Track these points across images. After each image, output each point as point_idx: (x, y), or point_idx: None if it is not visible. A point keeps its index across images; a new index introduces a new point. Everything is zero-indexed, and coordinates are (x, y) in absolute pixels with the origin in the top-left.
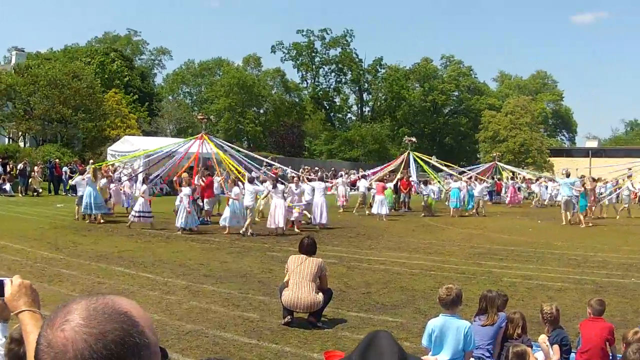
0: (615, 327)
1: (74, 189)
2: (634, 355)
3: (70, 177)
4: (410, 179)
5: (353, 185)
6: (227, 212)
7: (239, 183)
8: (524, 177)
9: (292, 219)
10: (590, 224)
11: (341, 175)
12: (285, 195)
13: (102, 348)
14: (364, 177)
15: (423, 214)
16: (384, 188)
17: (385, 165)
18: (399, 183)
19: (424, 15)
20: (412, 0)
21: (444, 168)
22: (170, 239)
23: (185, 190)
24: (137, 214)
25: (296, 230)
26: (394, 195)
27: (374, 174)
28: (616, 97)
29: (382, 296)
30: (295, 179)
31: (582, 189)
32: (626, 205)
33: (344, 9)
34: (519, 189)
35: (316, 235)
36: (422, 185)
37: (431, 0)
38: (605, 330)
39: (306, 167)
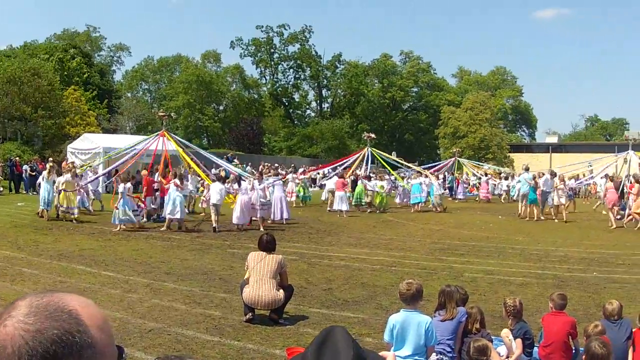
0: (577, 321)
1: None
2: (601, 350)
3: (32, 176)
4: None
5: (314, 182)
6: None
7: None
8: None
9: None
10: (564, 220)
11: (291, 172)
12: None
13: (39, 345)
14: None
15: (369, 210)
16: (344, 184)
17: (341, 158)
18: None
19: (384, 11)
20: None
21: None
22: (131, 237)
23: (121, 187)
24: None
25: (261, 229)
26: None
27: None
28: (576, 93)
29: (343, 292)
30: (258, 175)
31: (533, 182)
32: (601, 201)
33: (303, 5)
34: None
35: (276, 232)
36: (364, 181)
37: None
38: (567, 324)
39: (266, 163)
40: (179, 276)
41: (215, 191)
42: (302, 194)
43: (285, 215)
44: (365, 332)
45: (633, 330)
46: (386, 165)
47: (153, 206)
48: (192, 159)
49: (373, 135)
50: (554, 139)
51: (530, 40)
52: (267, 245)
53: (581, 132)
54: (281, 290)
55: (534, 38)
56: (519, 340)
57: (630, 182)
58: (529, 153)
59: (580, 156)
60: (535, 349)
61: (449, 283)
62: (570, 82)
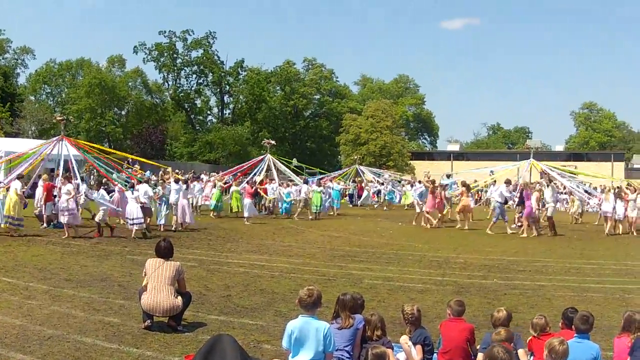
0: (478, 327)
1: None
2: (503, 355)
3: None
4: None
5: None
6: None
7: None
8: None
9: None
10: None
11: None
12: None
13: None
14: (306, 182)
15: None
16: (253, 192)
17: (240, 166)
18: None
19: (288, 18)
20: (275, 2)
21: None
22: (31, 243)
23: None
24: (134, 221)
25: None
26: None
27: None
28: (479, 102)
29: (242, 299)
30: (167, 178)
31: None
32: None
33: (207, 10)
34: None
35: (175, 239)
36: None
37: (294, 3)
38: (465, 330)
39: (168, 169)
40: (78, 283)
41: (142, 193)
42: (214, 202)
43: (188, 220)
44: (264, 339)
45: (527, 340)
46: (286, 172)
47: (53, 212)
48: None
49: (273, 142)
50: (455, 147)
51: (435, 50)
52: (165, 252)
53: (483, 141)
54: (179, 297)
55: (440, 48)
56: (418, 346)
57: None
58: (431, 160)
59: (482, 164)
60: (435, 355)
61: (348, 290)
62: (473, 91)
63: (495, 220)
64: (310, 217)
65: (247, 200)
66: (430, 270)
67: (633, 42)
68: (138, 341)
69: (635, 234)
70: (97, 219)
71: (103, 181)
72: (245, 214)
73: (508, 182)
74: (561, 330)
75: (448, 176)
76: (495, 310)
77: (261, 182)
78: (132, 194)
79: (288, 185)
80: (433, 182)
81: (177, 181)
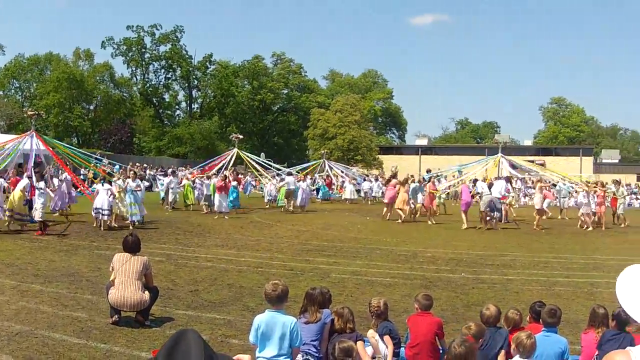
0: (445, 321)
1: None
2: (459, 349)
3: None
4: (239, 176)
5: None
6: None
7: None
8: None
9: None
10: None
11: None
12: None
13: None
14: (289, 174)
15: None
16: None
17: (210, 161)
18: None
19: (257, 12)
20: None
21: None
22: None
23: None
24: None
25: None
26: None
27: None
28: (448, 97)
29: (209, 294)
30: (132, 173)
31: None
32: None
33: (175, 4)
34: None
35: (142, 233)
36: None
37: None
38: (433, 325)
39: (137, 163)
40: (46, 278)
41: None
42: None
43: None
44: (232, 333)
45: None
46: (251, 167)
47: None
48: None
49: (240, 136)
50: (423, 142)
51: (404, 45)
52: (132, 246)
53: (451, 135)
54: (147, 292)
55: (409, 43)
56: (387, 337)
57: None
58: (399, 155)
59: (450, 159)
60: (402, 349)
61: (316, 284)
62: (442, 86)
63: (499, 215)
64: (291, 208)
65: (218, 196)
66: (398, 264)
67: (602, 37)
68: (106, 336)
69: (603, 228)
70: (36, 217)
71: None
72: (216, 209)
73: (508, 179)
74: (529, 324)
75: (428, 171)
76: (484, 308)
77: (236, 178)
78: (103, 186)
79: (283, 179)
80: (393, 176)
81: (137, 178)
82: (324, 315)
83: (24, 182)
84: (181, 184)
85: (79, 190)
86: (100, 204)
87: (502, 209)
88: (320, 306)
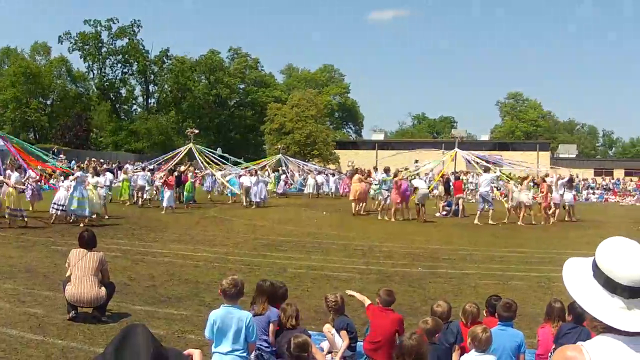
0: (403, 315)
1: None
2: (409, 341)
3: None
4: (196, 171)
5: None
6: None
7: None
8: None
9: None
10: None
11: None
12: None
13: None
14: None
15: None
16: (172, 182)
17: (166, 156)
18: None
19: (214, 6)
20: None
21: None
22: None
23: None
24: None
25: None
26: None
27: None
28: (405, 92)
29: (166, 289)
30: (92, 169)
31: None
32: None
33: None
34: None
35: (99, 229)
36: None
37: None
38: (395, 322)
39: (93, 159)
40: (3, 274)
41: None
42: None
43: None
44: (189, 329)
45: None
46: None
47: None
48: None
49: (196, 131)
50: (380, 137)
51: (362, 40)
52: (88, 242)
53: (408, 130)
54: (103, 288)
55: (367, 38)
56: (343, 332)
57: (459, 179)
58: (355, 150)
59: (407, 153)
60: (360, 343)
61: (273, 279)
62: (399, 81)
63: (482, 209)
64: (245, 204)
65: (168, 192)
66: (354, 259)
67: (557, 31)
68: (63, 332)
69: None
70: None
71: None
72: (164, 204)
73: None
74: (485, 317)
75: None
76: (434, 305)
77: (195, 173)
78: (63, 182)
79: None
80: (356, 171)
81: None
82: (272, 313)
83: (14, 177)
84: (120, 179)
85: (45, 184)
86: (58, 199)
87: (486, 203)
88: (271, 301)
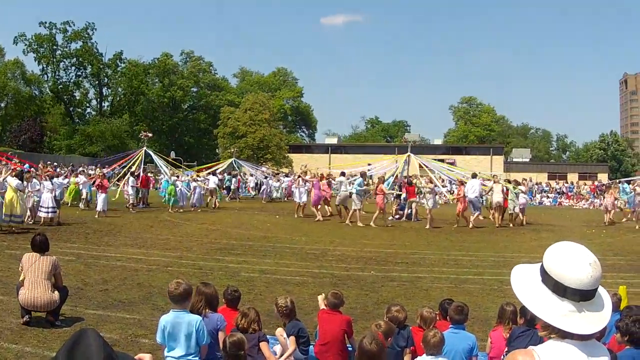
0: (355, 319)
1: None
2: (370, 346)
3: None
4: (149, 174)
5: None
6: None
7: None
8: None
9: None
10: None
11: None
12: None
13: None
14: (213, 173)
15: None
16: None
17: (117, 157)
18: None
19: (167, 9)
20: None
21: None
22: None
23: None
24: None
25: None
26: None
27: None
28: (358, 96)
29: (119, 293)
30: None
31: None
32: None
33: (87, 1)
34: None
35: (52, 232)
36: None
37: None
38: (342, 323)
39: (48, 162)
40: None
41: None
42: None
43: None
44: (141, 333)
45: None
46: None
47: None
48: None
49: (149, 134)
50: (333, 140)
51: (316, 45)
52: (41, 246)
53: (361, 134)
54: (56, 292)
55: (320, 42)
56: (292, 338)
57: (412, 184)
58: (309, 154)
59: (360, 157)
60: (311, 347)
61: (226, 283)
62: (352, 85)
63: (477, 213)
64: (213, 206)
65: (102, 195)
66: (307, 263)
67: (511, 37)
68: (17, 337)
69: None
70: None
71: None
72: (99, 208)
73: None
74: (437, 321)
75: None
76: (394, 311)
77: (139, 176)
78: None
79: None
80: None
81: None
82: (218, 319)
83: (14, 181)
84: (68, 182)
85: None
86: (46, 203)
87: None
88: (211, 306)
